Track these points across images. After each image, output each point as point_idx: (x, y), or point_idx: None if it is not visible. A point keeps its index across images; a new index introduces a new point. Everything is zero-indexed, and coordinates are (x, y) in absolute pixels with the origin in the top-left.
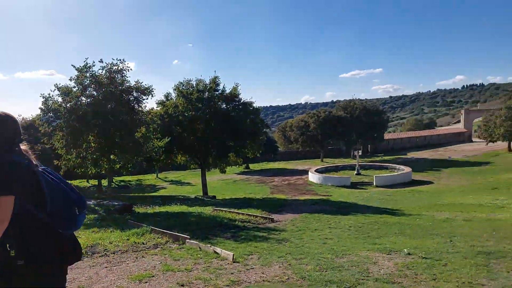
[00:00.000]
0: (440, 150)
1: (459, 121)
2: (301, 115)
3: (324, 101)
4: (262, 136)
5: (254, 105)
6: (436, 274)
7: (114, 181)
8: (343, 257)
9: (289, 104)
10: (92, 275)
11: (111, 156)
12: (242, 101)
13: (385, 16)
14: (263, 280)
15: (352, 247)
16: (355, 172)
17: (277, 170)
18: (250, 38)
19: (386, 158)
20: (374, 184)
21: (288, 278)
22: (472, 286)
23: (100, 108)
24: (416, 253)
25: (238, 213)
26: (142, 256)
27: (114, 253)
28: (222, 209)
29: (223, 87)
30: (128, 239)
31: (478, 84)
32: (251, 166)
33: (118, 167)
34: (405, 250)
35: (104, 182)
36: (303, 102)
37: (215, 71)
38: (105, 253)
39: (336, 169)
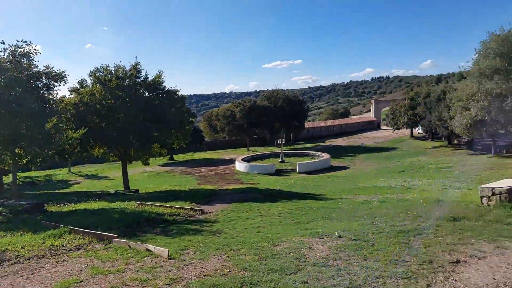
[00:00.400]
0: (354, 137)
1: (369, 111)
2: (227, 104)
3: (248, 91)
4: (189, 125)
5: (179, 93)
6: (366, 255)
7: (18, 177)
8: (279, 244)
9: (214, 93)
10: (6, 286)
11: (16, 150)
12: (166, 89)
13: (303, 7)
14: (204, 275)
15: (286, 233)
16: (279, 159)
17: (203, 160)
18: (173, 25)
19: (307, 145)
20: (297, 170)
21: (229, 271)
22: (398, 263)
23: (2, 96)
24: (346, 236)
25: (166, 207)
26: (64, 260)
27: (29, 259)
28: (147, 203)
29: (146, 74)
30: (43, 242)
31: (385, 77)
32: (176, 157)
33: (25, 161)
34: (336, 233)
35: (6, 179)
36: (227, 91)
37: (136, 57)
38: (17, 260)
39: (262, 157)
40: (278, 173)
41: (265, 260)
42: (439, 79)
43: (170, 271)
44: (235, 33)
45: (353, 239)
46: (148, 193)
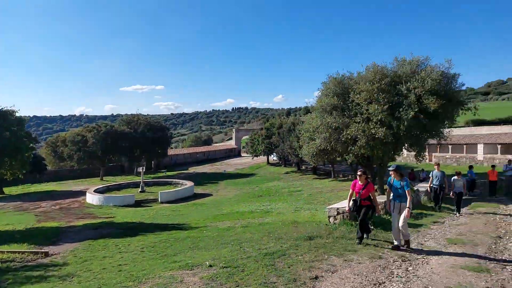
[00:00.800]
0: (217, 164)
1: (231, 139)
2: (77, 129)
3: (104, 114)
4: (28, 152)
5: (17, 114)
6: (238, 281)
7: None
8: (146, 281)
9: (60, 115)
10: None
11: None
12: (0, 109)
13: (166, 33)
14: None
15: (152, 269)
16: (140, 189)
17: (44, 193)
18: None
19: (169, 173)
20: (159, 200)
21: None
22: (267, 285)
23: None
24: (217, 264)
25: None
26: None
27: None
28: None
29: None
30: None
31: (244, 107)
32: (7, 190)
33: None
34: (206, 262)
35: None
36: (78, 114)
37: None
38: None
39: (119, 187)
40: (138, 204)
41: None
42: (289, 112)
43: None
44: (88, 51)
45: (224, 267)
46: None
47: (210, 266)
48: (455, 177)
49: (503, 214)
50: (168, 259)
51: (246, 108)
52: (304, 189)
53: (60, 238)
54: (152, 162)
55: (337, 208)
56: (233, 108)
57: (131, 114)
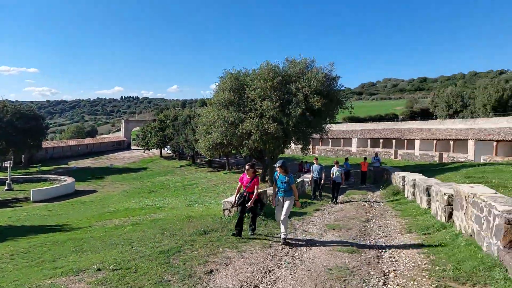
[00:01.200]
0: (102, 158)
1: (119, 130)
2: None
3: None
4: None
5: None
6: (130, 283)
7: None
8: None
9: None
10: None
11: None
12: None
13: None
14: None
15: (28, 278)
16: (6, 187)
17: None
18: None
19: (44, 168)
20: (32, 199)
21: None
22: (162, 284)
23: None
24: (106, 267)
25: None
26: None
27: None
28: None
29: None
30: None
31: (134, 97)
32: None
33: None
34: (94, 266)
35: None
36: None
37: None
38: None
39: None
40: (4, 204)
41: None
42: (184, 103)
43: None
44: None
45: (114, 269)
46: None
47: (99, 269)
48: (334, 167)
49: (371, 201)
50: (47, 266)
51: (137, 97)
52: (199, 182)
53: None
54: (23, 156)
55: (232, 201)
56: (122, 97)
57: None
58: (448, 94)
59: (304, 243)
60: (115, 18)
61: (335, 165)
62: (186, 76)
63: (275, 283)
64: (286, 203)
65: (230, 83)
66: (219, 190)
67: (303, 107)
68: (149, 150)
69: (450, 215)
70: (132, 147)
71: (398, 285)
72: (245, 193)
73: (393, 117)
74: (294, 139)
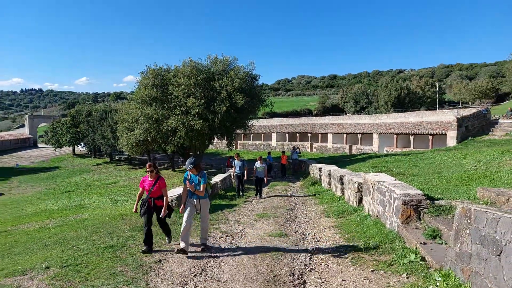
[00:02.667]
0: (5, 158)
1: (22, 126)
2: None
3: None
4: None
5: None
6: (86, 276)
7: None
8: None
9: None
10: None
11: None
12: None
13: None
14: None
15: None
16: None
17: None
18: None
19: None
20: None
21: None
22: (117, 274)
23: None
24: (54, 265)
25: None
26: None
27: None
28: None
29: None
30: None
31: (37, 89)
32: None
33: None
34: (42, 265)
35: None
36: None
37: None
38: None
39: None
40: None
41: None
42: (96, 97)
43: None
44: None
45: (64, 266)
46: None
47: (47, 267)
48: (258, 162)
49: (294, 195)
50: None
51: (41, 90)
52: (120, 181)
53: None
54: None
55: (170, 197)
56: (22, 89)
57: None
58: (355, 92)
59: (238, 231)
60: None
61: (259, 160)
62: (96, 68)
63: (219, 266)
64: (203, 206)
65: (152, 79)
66: (138, 189)
67: (228, 105)
68: (61, 148)
69: (360, 200)
70: (40, 145)
71: (321, 259)
72: (149, 199)
73: (308, 112)
74: (219, 135)
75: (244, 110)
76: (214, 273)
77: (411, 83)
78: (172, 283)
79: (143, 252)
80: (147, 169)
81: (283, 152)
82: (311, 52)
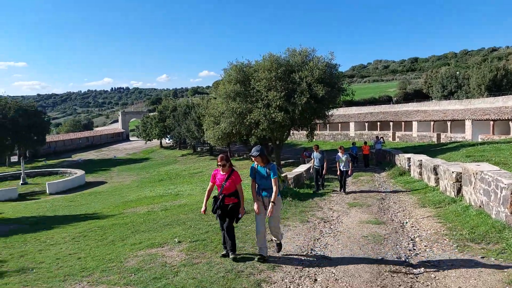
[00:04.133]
0: (103, 150)
1: (115, 122)
2: None
3: None
4: None
5: None
6: (214, 249)
7: None
8: (128, 260)
9: None
10: None
11: None
12: None
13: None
14: None
15: (118, 253)
16: (21, 181)
17: None
18: None
19: (50, 162)
20: (48, 192)
21: None
22: (240, 249)
23: None
24: (184, 240)
25: None
26: None
27: None
28: None
29: None
30: None
31: (124, 88)
32: None
33: None
34: (175, 239)
35: None
36: None
37: None
38: None
39: None
40: (23, 197)
41: (134, 275)
42: (175, 93)
43: None
44: None
45: (193, 241)
46: None
47: (179, 242)
48: (339, 153)
49: (380, 181)
50: (123, 243)
51: (127, 88)
52: (204, 170)
53: None
54: (27, 151)
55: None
56: (112, 88)
57: None
58: (442, 75)
59: (334, 218)
60: (102, 9)
61: (340, 151)
62: (175, 65)
63: (325, 247)
64: (270, 208)
65: (235, 75)
66: None
67: (308, 96)
68: (150, 140)
69: (458, 191)
70: (131, 138)
71: (425, 246)
72: (219, 196)
73: (388, 99)
74: (298, 126)
75: (324, 100)
76: (322, 249)
77: (508, 63)
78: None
79: (223, 256)
80: (219, 162)
81: (365, 142)
82: (387, 35)
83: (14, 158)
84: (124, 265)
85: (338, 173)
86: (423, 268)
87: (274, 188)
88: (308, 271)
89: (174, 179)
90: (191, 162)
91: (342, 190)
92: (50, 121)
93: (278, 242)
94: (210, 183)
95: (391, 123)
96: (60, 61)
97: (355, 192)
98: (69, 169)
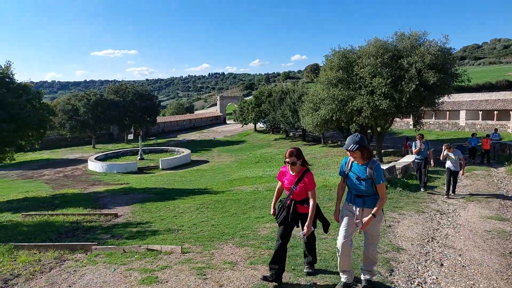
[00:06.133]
0: (204, 132)
1: (213, 105)
2: (64, 96)
3: (76, 80)
4: (45, 124)
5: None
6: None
7: None
8: (260, 230)
9: (31, 81)
10: None
11: None
12: (18, 82)
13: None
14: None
15: (248, 223)
16: (138, 157)
17: (43, 161)
18: None
19: (160, 141)
20: (160, 167)
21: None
22: None
23: None
24: None
25: (67, 214)
26: (70, 272)
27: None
28: (31, 213)
29: None
30: None
31: (220, 73)
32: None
33: None
34: None
35: None
36: (49, 80)
37: None
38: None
39: (117, 155)
40: (141, 171)
41: (270, 243)
42: (268, 78)
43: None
44: (55, 14)
45: None
46: (8, 203)
47: None
48: (446, 150)
49: (498, 176)
50: (246, 216)
51: (223, 73)
52: None
53: (103, 202)
54: (139, 130)
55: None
56: (209, 73)
57: (119, 83)
58: None
59: (451, 211)
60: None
61: (445, 148)
62: (267, 50)
63: (446, 237)
64: (367, 220)
65: (338, 61)
66: (321, 163)
67: (417, 83)
68: (246, 124)
69: None
70: (227, 122)
71: None
72: (288, 201)
73: (507, 85)
74: (403, 114)
75: (436, 87)
76: (443, 239)
77: None
78: None
79: (264, 279)
80: (287, 159)
81: (487, 135)
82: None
83: (130, 136)
84: (258, 233)
85: (441, 157)
86: None
87: (381, 195)
88: (433, 256)
89: (269, 161)
90: (284, 146)
91: (448, 193)
92: (160, 104)
93: (368, 278)
94: (279, 182)
95: (511, 112)
96: (165, 49)
97: (479, 204)
98: (176, 148)
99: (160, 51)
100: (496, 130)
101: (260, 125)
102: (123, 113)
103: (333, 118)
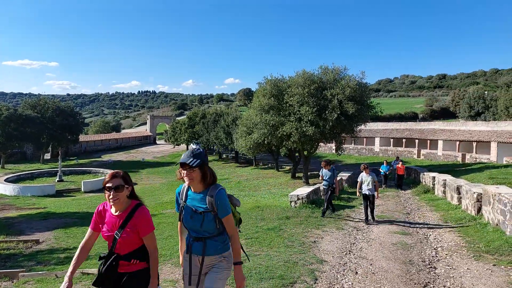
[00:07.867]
0: (132, 152)
1: (142, 124)
2: None
3: None
4: None
5: None
6: (268, 244)
7: None
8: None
9: None
10: None
11: None
12: None
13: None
14: None
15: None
16: (57, 178)
17: None
18: None
19: (82, 161)
20: (83, 189)
21: None
22: (290, 247)
23: None
24: (240, 237)
25: None
26: None
27: None
28: None
29: None
30: None
31: (151, 91)
32: None
33: None
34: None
35: None
36: None
37: None
38: None
39: (32, 176)
40: (60, 194)
41: None
42: (201, 99)
43: None
44: None
45: (248, 238)
46: None
47: None
48: (363, 173)
49: (405, 197)
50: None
51: (154, 92)
52: (231, 177)
53: (18, 229)
54: (59, 149)
55: (297, 195)
56: (139, 91)
57: (37, 97)
58: (470, 96)
59: (365, 228)
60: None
61: (363, 171)
62: (201, 71)
63: (360, 249)
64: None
65: (270, 89)
66: (253, 184)
67: (338, 112)
68: (179, 145)
69: (479, 210)
70: (158, 142)
71: (446, 254)
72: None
73: (414, 116)
74: (327, 139)
75: (354, 117)
76: (358, 251)
77: None
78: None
79: None
80: (108, 184)
81: (401, 161)
82: (415, 49)
83: (47, 156)
84: None
85: (357, 194)
86: (443, 270)
87: (230, 232)
88: (350, 266)
89: None
90: (217, 168)
91: (367, 220)
92: (83, 121)
93: None
94: (89, 229)
95: (416, 141)
96: (90, 62)
97: (388, 222)
98: (101, 169)
99: (84, 64)
100: (397, 158)
101: (192, 146)
102: (40, 130)
103: (265, 141)
